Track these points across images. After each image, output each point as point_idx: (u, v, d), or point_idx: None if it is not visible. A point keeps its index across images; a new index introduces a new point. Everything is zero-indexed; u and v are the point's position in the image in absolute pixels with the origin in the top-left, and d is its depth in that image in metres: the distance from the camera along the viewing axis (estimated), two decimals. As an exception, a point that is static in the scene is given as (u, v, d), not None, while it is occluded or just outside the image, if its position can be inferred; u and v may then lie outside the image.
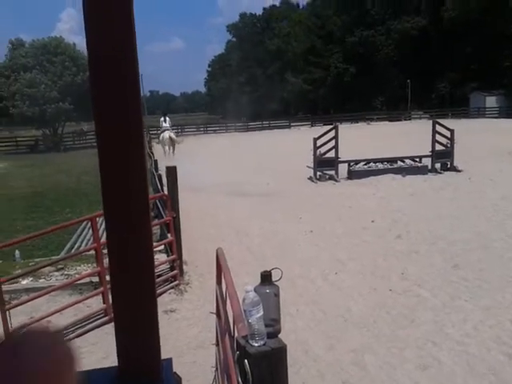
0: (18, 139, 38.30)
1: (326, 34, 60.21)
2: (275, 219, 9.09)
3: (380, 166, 13.47)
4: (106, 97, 1.13)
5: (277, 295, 1.65)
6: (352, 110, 48.95)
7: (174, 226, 5.93)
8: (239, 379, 1.67)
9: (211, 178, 14.41)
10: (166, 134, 23.20)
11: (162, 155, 20.25)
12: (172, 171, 6.16)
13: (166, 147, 23.12)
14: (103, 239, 7.93)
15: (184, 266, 6.29)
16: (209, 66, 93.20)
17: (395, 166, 13.46)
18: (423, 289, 5.48)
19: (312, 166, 13.64)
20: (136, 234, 1.20)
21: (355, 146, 19.90)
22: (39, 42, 36.99)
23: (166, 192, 6.43)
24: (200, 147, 26.96)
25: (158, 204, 7.56)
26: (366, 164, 13.63)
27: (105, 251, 6.81)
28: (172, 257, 5.99)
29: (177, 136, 24.36)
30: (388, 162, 13.61)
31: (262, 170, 15.55)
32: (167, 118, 23.91)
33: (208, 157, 20.87)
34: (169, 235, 6.05)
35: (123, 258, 1.23)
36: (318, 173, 13.52)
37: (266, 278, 1.66)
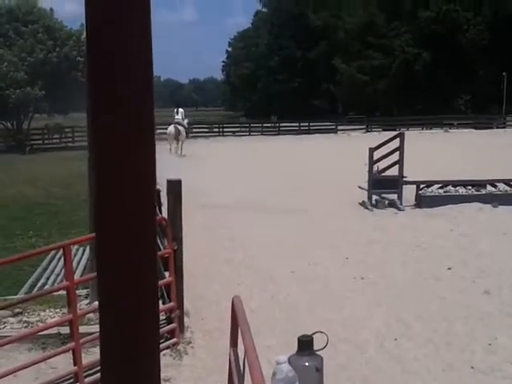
0: (-33, 135, 39.14)
1: (392, 5, 60.52)
2: (313, 258, 9.05)
3: (462, 190, 13.38)
4: (109, 84, 1.15)
5: (319, 370, 1.64)
6: (424, 112, 48.92)
7: (174, 262, 5.97)
8: None
9: (227, 195, 14.51)
10: (172, 128, 26.38)
11: (165, 155, 21.68)
12: (175, 186, 6.22)
13: (172, 144, 26.33)
14: (78, 275, 8.06)
15: (185, 319, 6.30)
16: (229, 44, 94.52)
17: (483, 191, 13.35)
18: (520, 368, 5.34)
19: (366, 186, 13.62)
20: (138, 271, 1.22)
21: (427, 161, 19.79)
22: (4, 4, 38.11)
23: (164, 213, 6.49)
24: (212, 153, 27.19)
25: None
26: (441, 187, 13.55)
27: (80, 292, 6.89)
28: (169, 305, 6.01)
29: (188, 131, 28.03)
30: (473, 185, 13.52)
31: (296, 190, 15.57)
32: (180, 110, 28.30)
33: (224, 166, 21.02)
34: (166, 274, 6.08)
35: (117, 301, 1.25)
36: (375, 197, 13.48)
37: (305, 345, 1.65)
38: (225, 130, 44.60)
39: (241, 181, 17.24)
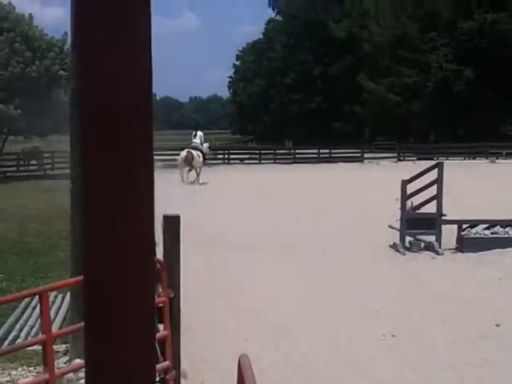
0: None
1: (428, 14, 61.12)
2: (334, 310, 9.00)
3: (512, 232, 13.34)
4: (100, 99, 1.17)
5: None
6: (466, 139, 48.98)
7: (170, 313, 5.95)
8: None
9: (235, 233, 14.52)
10: (184, 153, 28.27)
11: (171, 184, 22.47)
12: (173, 223, 6.24)
13: (184, 171, 28.11)
14: (56, 327, 8.01)
15: (182, 381, 6.25)
16: (237, 58, 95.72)
17: (538, 234, 13.31)
18: None
19: (398, 226, 13.59)
20: (133, 324, 1.22)
21: (470, 196, 19.75)
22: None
23: (159, 255, 6.49)
24: (217, 183, 27.26)
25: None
26: (488, 228, 13.54)
27: (58, 347, 6.86)
28: (164, 364, 5.97)
29: (205, 158, 30.13)
30: (526, 226, 13.46)
31: (314, 229, 15.56)
32: (199, 133, 30.64)
33: (230, 199, 21.05)
34: (161, 327, 6.06)
35: (106, 360, 1.25)
36: (408, 238, 13.45)
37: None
38: (231, 156, 44.89)
39: (250, 217, 17.25)
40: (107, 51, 1.16)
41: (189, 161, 28.55)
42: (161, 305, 5.98)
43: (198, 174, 28.92)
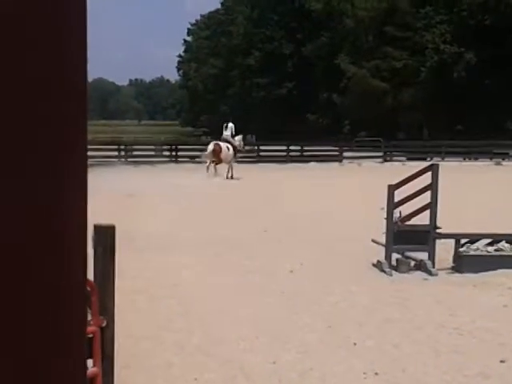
0: None
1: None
2: (303, 343, 9.02)
3: (520, 249, 13.45)
4: (14, 88, 1.17)
5: None
6: (466, 135, 49.39)
7: (101, 346, 5.91)
8: None
9: (183, 245, 14.47)
10: (211, 146, 33.07)
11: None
12: (105, 235, 6.20)
13: (209, 165, 32.39)
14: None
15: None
16: (188, 32, 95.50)
17: (551, 251, 13.45)
18: None
19: (383, 240, 13.65)
20: (56, 358, 1.21)
21: (471, 206, 19.95)
22: None
23: (89, 274, 6.45)
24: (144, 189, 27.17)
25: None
26: (491, 244, 13.62)
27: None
28: (93, 409, 5.94)
29: (239, 149, 34.94)
30: (536, 242, 13.60)
31: (281, 243, 15.59)
32: (230, 125, 34.94)
33: (174, 207, 21.02)
34: (89, 363, 6.01)
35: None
36: (396, 255, 13.50)
37: None
38: (179, 153, 45.10)
39: (200, 230, 17.21)
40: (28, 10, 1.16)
41: (217, 153, 32.49)
42: (90, 335, 5.92)
43: (229, 169, 33.08)
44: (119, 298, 6.30)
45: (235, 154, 34.18)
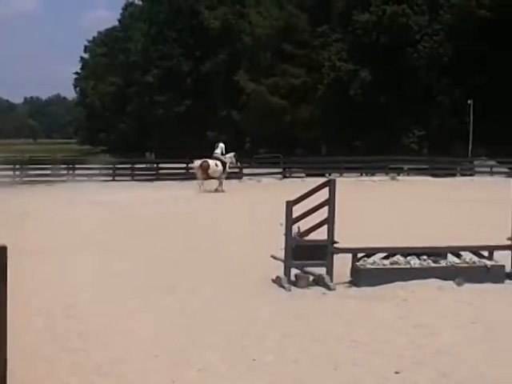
0: None
1: (318, 3, 62.33)
2: (203, 361, 8.90)
3: (414, 262, 13.52)
4: None
5: None
6: (363, 151, 50.25)
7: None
8: None
9: (81, 263, 14.23)
10: (198, 162, 35.79)
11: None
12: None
13: (200, 180, 35.19)
14: None
15: None
16: (85, 49, 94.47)
17: (443, 263, 13.55)
18: None
19: (282, 256, 13.66)
20: None
21: (367, 221, 20.23)
22: None
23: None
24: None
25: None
26: (387, 257, 13.69)
27: None
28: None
29: (231, 166, 38.33)
30: (430, 255, 13.70)
31: (181, 259, 15.48)
32: (220, 145, 37.54)
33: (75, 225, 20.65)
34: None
35: None
36: (294, 270, 13.48)
37: None
38: (76, 172, 44.51)
39: (85, 239, 16.97)
40: None
41: (204, 169, 35.00)
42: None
43: (219, 183, 35.96)
44: (11, 317, 6.10)
45: (224, 169, 36.51)
